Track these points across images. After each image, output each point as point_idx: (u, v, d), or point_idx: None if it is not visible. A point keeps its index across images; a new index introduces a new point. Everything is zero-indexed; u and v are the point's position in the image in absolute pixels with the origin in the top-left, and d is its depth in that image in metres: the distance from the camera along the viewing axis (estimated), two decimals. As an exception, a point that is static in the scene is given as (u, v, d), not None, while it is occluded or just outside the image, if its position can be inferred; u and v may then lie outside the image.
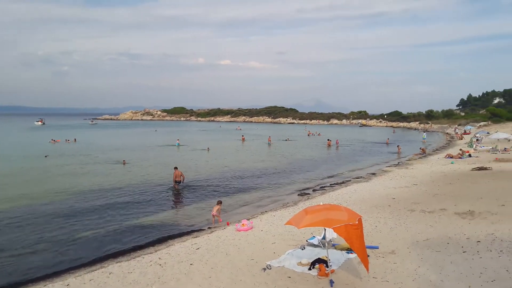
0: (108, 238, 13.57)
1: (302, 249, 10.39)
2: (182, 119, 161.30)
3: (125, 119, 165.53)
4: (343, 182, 23.01)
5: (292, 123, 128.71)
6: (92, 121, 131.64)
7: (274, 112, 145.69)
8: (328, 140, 50.21)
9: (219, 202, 15.81)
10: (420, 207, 14.41)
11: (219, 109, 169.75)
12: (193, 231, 14.28)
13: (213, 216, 15.22)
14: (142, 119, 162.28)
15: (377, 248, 10.13)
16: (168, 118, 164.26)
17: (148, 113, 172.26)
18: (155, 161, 33.81)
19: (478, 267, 8.30)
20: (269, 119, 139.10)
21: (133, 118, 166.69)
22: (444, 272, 8.22)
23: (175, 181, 21.85)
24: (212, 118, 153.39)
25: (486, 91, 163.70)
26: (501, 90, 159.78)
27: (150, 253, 11.60)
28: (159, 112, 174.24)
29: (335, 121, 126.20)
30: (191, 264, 9.92)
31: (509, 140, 34.53)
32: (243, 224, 13.42)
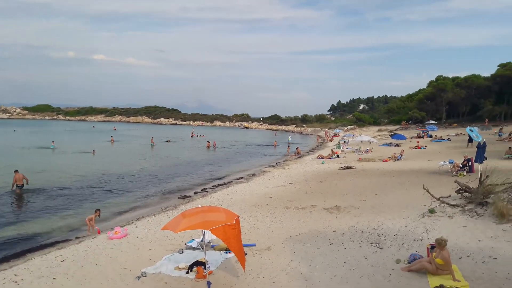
0: None
1: (181, 253, 10.27)
2: (47, 117, 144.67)
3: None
4: (225, 184, 23.51)
5: (175, 124, 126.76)
6: None
7: (154, 112, 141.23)
8: (208, 141, 50.98)
9: (97, 211, 14.52)
10: (294, 204, 15.58)
11: (91, 107, 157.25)
12: (57, 242, 12.93)
13: (88, 224, 13.99)
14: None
15: (254, 245, 10.59)
16: (29, 116, 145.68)
17: (5, 111, 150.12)
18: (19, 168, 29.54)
19: (342, 257, 9.32)
20: (149, 120, 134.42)
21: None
22: (313, 263, 9.02)
23: (17, 185, 20.01)
24: (83, 117, 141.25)
25: (353, 98, 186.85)
26: (365, 97, 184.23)
27: (4, 269, 10.09)
28: (18, 110, 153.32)
29: (219, 123, 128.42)
30: (54, 279, 8.95)
31: (370, 142, 39.71)
32: (116, 231, 12.64)
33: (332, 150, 37.77)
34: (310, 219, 13.21)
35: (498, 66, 62.73)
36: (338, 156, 34.28)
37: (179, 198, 19.92)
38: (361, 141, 39.97)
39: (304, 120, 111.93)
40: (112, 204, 18.62)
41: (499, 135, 41.51)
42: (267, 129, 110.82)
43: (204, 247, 9.49)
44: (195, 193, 21.13)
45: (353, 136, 52.94)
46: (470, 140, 34.52)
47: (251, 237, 11.40)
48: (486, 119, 59.59)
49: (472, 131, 35.74)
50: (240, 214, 13.86)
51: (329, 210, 14.24)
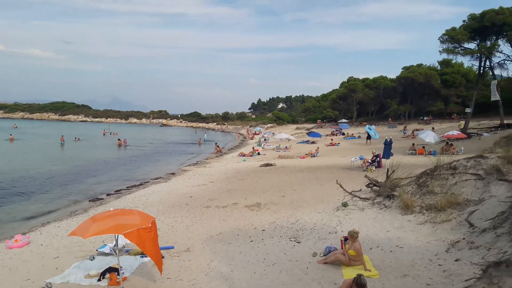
0: None
1: (92, 260, 9.64)
2: None
3: None
4: (141, 184, 22.54)
5: (85, 121, 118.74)
6: None
7: (62, 108, 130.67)
8: (119, 140, 48.72)
9: None
10: (215, 203, 15.49)
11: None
12: None
13: None
14: None
15: (172, 248, 10.29)
16: None
17: None
18: None
19: (262, 253, 9.46)
20: (56, 117, 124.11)
21: None
22: (234, 262, 9.02)
23: None
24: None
25: (273, 97, 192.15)
26: (284, 96, 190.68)
27: None
28: None
29: (134, 120, 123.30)
30: None
31: (289, 140, 41.15)
32: (16, 240, 11.43)
33: (253, 147, 38.37)
34: (231, 218, 13.23)
35: (402, 68, 69.02)
36: (259, 153, 34.93)
37: (89, 201, 18.64)
38: (281, 139, 41.33)
39: (226, 117, 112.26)
40: (13, 210, 16.79)
41: (404, 133, 45.83)
42: (186, 126, 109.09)
43: (117, 252, 8.97)
44: (107, 195, 19.94)
45: (273, 134, 54.46)
46: (369, 137, 38.07)
47: (169, 239, 11.07)
48: (390, 118, 65.42)
49: (370, 129, 39.40)
50: (157, 216, 13.45)
51: (250, 208, 14.41)
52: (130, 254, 9.86)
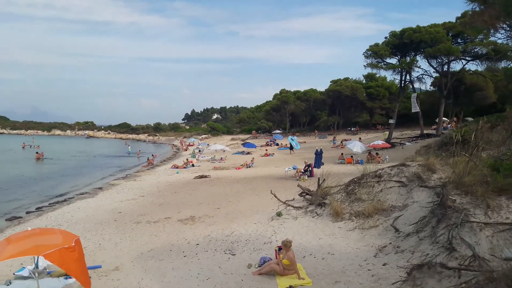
0: None
1: (8, 285, 8.80)
2: None
3: None
4: (65, 200, 21.07)
5: (2, 133, 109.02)
6: None
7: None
8: (37, 153, 45.52)
9: None
10: (146, 218, 14.92)
11: None
12: None
13: None
14: None
15: (100, 267, 9.72)
16: None
17: None
18: None
19: (196, 268, 9.27)
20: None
21: None
22: (166, 279, 8.73)
23: None
24: None
25: (207, 108, 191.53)
26: (219, 107, 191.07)
27: None
28: None
29: (58, 131, 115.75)
30: None
31: (224, 151, 41.12)
32: None
33: (187, 159, 37.77)
34: (163, 233, 12.83)
35: (330, 82, 72.75)
36: (193, 165, 34.44)
37: (6, 220, 17.01)
38: (216, 150, 41.20)
39: (157, 128, 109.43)
40: None
41: (333, 143, 48.04)
42: (115, 138, 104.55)
43: (37, 275, 8.28)
44: (27, 213, 18.35)
45: (208, 145, 54.16)
46: (291, 147, 39.97)
47: (97, 258, 10.44)
48: (316, 131, 68.51)
49: (292, 140, 41.46)
50: (83, 233, 12.67)
51: (184, 221, 14.09)
52: (52, 276, 9.14)
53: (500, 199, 8.02)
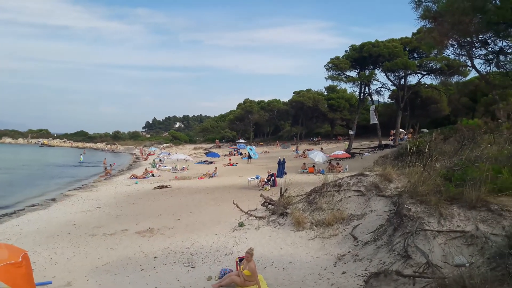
0: None
1: None
2: None
3: None
4: (14, 213, 19.94)
5: None
6: None
7: None
8: None
9: None
10: (102, 231, 14.39)
11: None
12: None
13: None
14: None
15: (50, 283, 9.24)
16: None
17: None
18: None
19: (153, 282, 9.01)
20: None
21: None
22: (121, 294, 8.42)
23: None
24: None
25: (169, 116, 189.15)
26: (181, 115, 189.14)
27: None
28: None
29: (9, 139, 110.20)
30: None
31: (186, 160, 40.54)
32: None
33: (146, 169, 36.95)
34: (119, 246, 12.41)
35: (293, 93, 74.09)
36: (153, 175, 33.74)
37: None
38: (177, 159, 40.50)
39: (116, 137, 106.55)
40: None
41: (296, 153, 48.73)
42: (71, 146, 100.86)
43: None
44: (-30, 227, 17.22)
45: (169, 154, 53.22)
46: (249, 157, 40.82)
47: (47, 274, 9.92)
48: (277, 142, 69.44)
49: (251, 149, 42.23)
50: (33, 247, 12.08)
51: (141, 234, 13.71)
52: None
53: (452, 207, 8.39)
